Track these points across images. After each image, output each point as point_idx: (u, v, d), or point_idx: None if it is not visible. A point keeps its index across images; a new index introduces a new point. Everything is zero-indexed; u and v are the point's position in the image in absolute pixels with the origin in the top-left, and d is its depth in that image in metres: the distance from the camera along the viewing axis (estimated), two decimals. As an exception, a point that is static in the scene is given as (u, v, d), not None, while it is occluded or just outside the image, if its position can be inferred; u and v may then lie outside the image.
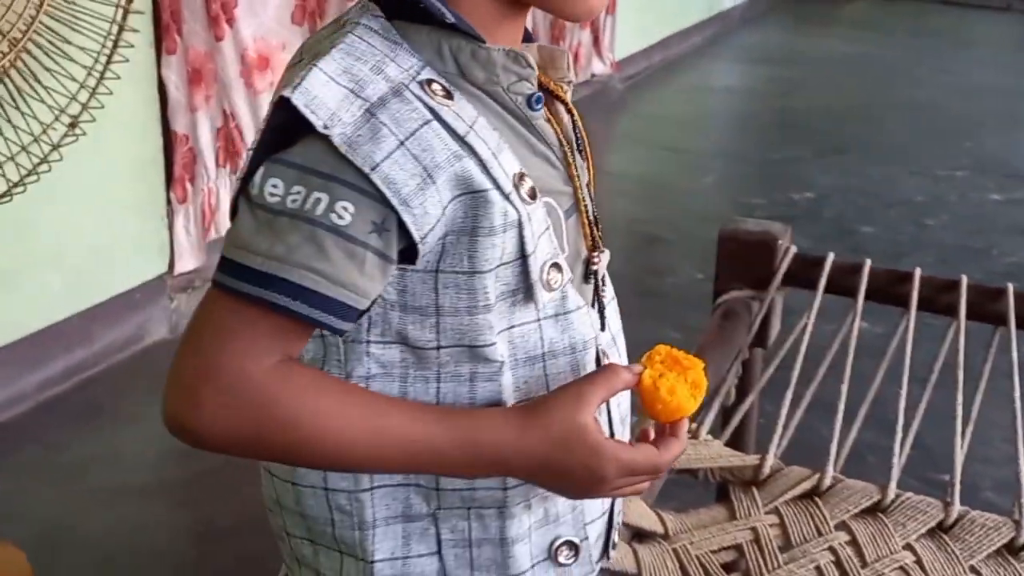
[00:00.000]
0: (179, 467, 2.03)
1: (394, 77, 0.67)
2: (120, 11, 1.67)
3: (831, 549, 1.11)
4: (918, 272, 1.60)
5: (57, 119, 1.66)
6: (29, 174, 1.66)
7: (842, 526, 1.15)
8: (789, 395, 1.36)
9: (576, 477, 0.71)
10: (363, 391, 0.71)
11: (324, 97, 0.65)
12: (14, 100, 1.61)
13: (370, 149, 0.64)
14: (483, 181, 0.67)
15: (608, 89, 5.15)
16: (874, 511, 1.16)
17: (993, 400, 1.37)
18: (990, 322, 1.50)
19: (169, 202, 2.58)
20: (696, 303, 3.00)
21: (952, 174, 4.41)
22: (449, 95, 0.68)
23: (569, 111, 0.78)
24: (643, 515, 1.14)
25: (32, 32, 1.54)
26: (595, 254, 0.78)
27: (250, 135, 2.76)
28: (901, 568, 1.10)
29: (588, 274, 0.79)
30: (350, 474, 0.73)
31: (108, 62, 1.69)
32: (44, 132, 1.63)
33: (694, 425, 1.31)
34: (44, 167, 1.66)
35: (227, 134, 2.74)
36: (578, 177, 0.76)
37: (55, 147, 1.67)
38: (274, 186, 0.65)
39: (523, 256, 0.70)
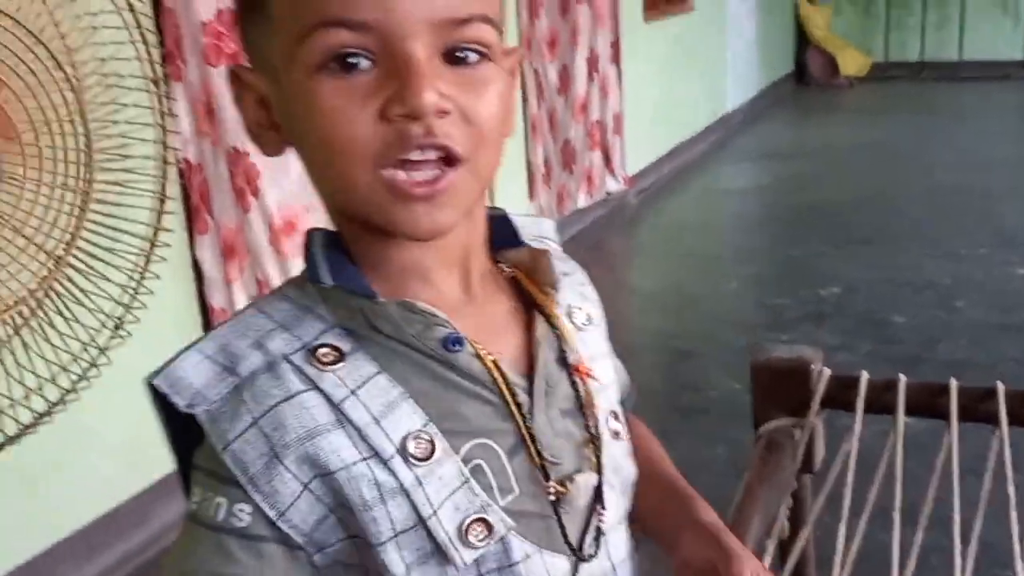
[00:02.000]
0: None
1: (274, 350, 0.67)
2: (156, 215, 1.75)
3: None
4: (954, 384, 1.61)
5: (104, 324, 1.72)
6: (80, 380, 1.72)
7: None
8: (844, 522, 1.37)
9: None
10: None
11: (190, 377, 0.66)
12: (60, 311, 1.68)
13: (226, 427, 0.65)
14: (344, 456, 0.65)
15: (623, 205, 5.25)
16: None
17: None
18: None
19: (211, 376, 2.64)
20: (738, 415, 2.99)
21: (975, 252, 4.43)
22: (341, 358, 0.67)
23: (550, 321, 0.75)
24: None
25: (74, 248, 1.61)
26: (551, 487, 0.71)
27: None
28: None
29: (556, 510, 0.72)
30: None
31: (147, 264, 1.76)
32: (92, 339, 1.69)
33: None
34: (94, 371, 1.72)
35: (261, 301, 2.81)
36: (527, 406, 0.71)
37: (102, 351, 1.73)
38: (191, 493, 0.67)
39: (422, 520, 0.66)
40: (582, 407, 0.75)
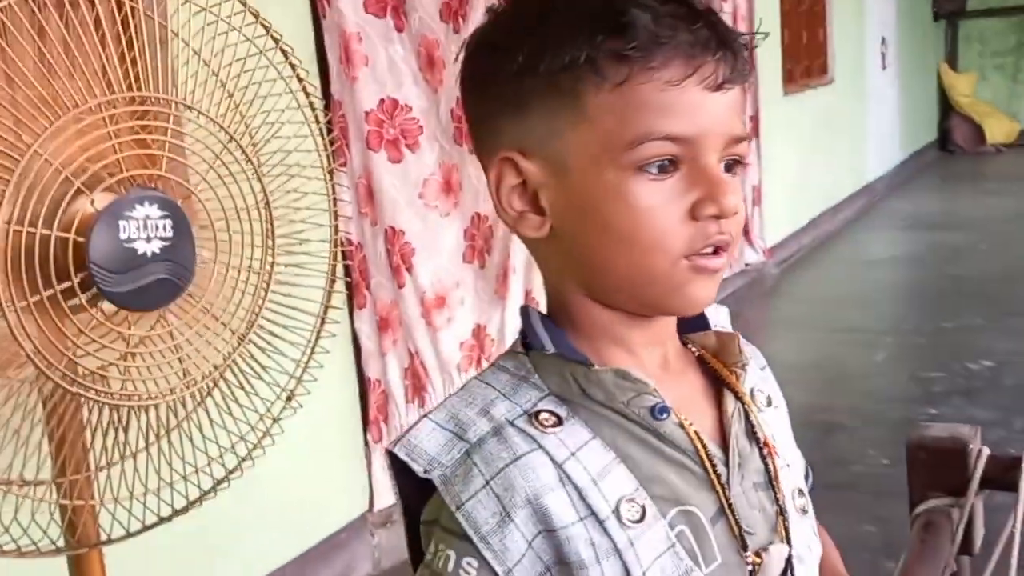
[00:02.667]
0: None
1: (498, 416, 0.73)
2: (326, 294, 1.87)
3: None
4: (1122, 466, 1.57)
5: (278, 397, 1.83)
6: (255, 448, 1.82)
7: None
8: (1008, 612, 1.35)
9: None
10: None
11: (425, 445, 0.73)
12: (240, 384, 1.80)
13: (460, 489, 0.71)
14: (566, 515, 0.70)
15: (763, 276, 5.21)
16: None
17: None
18: None
19: (367, 443, 2.76)
20: (886, 492, 2.94)
21: None
22: (559, 423, 0.73)
23: (739, 398, 0.79)
24: None
25: (255, 327, 1.73)
26: (749, 556, 0.75)
27: (434, 371, 2.94)
28: None
29: None
30: None
31: (317, 338, 1.87)
32: (268, 410, 1.80)
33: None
34: (267, 440, 1.83)
35: (413, 371, 2.92)
36: (724, 477, 0.75)
37: (276, 420, 1.84)
38: (428, 541, 0.73)
39: None
40: (771, 481, 0.80)
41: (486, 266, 3.19)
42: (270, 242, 1.70)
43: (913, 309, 5.01)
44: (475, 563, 0.70)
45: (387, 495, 2.78)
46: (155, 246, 1.51)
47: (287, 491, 2.53)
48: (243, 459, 1.81)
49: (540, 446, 0.72)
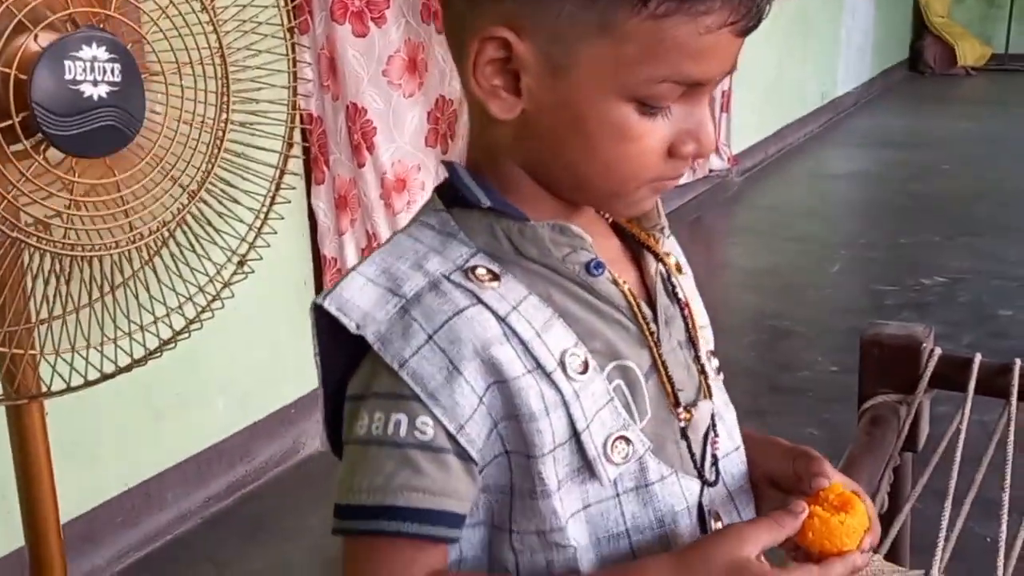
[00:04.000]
0: (340, 581, 2.11)
1: (433, 271, 0.70)
2: (282, 157, 1.81)
3: (1006, 666, 1.10)
4: (1074, 372, 1.58)
5: (229, 260, 1.79)
6: (203, 311, 1.79)
7: (1015, 642, 1.14)
8: (949, 504, 1.36)
9: None
10: None
11: (357, 300, 0.69)
12: (191, 245, 1.75)
13: (400, 346, 0.68)
14: (515, 367, 0.68)
15: (727, 183, 5.20)
16: (1048, 626, 1.15)
17: None
18: None
19: (318, 322, 2.73)
20: (833, 397, 2.98)
21: (1091, 250, 4.29)
22: (496, 277, 0.70)
23: (660, 259, 0.80)
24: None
25: (207, 183, 1.68)
26: (681, 412, 0.76)
27: (390, 254, 2.91)
28: None
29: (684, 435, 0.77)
30: None
31: (271, 204, 1.82)
32: (218, 272, 1.76)
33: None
34: (217, 303, 1.79)
35: (370, 253, 2.88)
36: (655, 334, 0.76)
37: (226, 285, 1.80)
38: (357, 417, 0.69)
39: (576, 434, 0.70)
40: (691, 340, 0.81)
41: (448, 152, 3.13)
42: (225, 98, 1.63)
43: (871, 224, 5.04)
44: (430, 422, 0.68)
45: (337, 374, 2.77)
46: (102, 90, 1.45)
47: (236, 362, 2.50)
48: (191, 321, 1.78)
49: (480, 300, 0.69)
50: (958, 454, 1.46)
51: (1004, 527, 1.29)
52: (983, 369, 1.62)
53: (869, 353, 1.73)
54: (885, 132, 6.83)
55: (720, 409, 0.82)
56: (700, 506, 0.77)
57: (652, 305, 0.77)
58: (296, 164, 2.41)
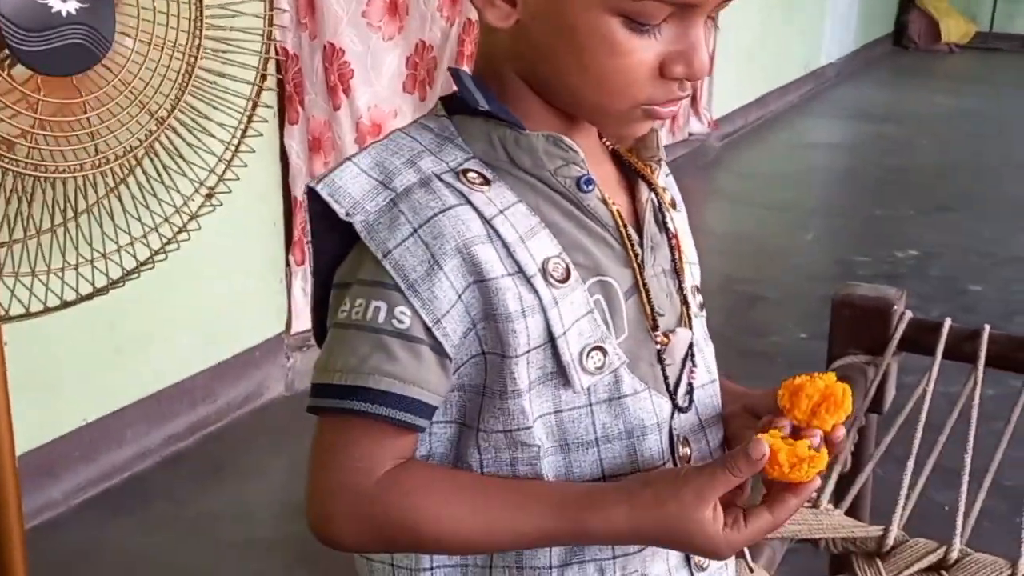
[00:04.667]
0: (301, 521, 2.09)
1: (426, 168, 0.71)
2: (255, 89, 1.77)
3: (960, 623, 1.11)
4: (1041, 339, 1.59)
5: (196, 191, 1.75)
6: (169, 243, 1.75)
7: (971, 600, 1.14)
8: (911, 464, 1.36)
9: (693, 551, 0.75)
10: (472, 484, 0.73)
11: (349, 187, 0.70)
12: (159, 174, 1.72)
13: (385, 236, 0.69)
14: (495, 268, 0.69)
15: (705, 147, 5.18)
16: (1004, 585, 1.16)
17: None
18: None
19: (288, 264, 2.69)
20: (801, 363, 2.98)
21: (1063, 229, 4.32)
22: (487, 182, 0.71)
23: (653, 189, 0.80)
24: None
25: (177, 111, 1.64)
26: (659, 335, 0.77)
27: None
28: (1035, 643, 1.09)
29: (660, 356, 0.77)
30: (412, 554, 0.76)
31: (242, 137, 1.78)
32: (185, 204, 1.73)
33: (814, 495, 1.32)
34: (183, 235, 1.76)
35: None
36: (640, 257, 0.76)
37: (193, 217, 1.76)
38: (340, 302, 0.70)
39: (552, 339, 0.71)
40: (676, 272, 0.81)
41: (426, 99, 3.09)
42: (198, 23, 1.59)
43: (847, 194, 5.05)
44: (408, 312, 0.68)
45: (305, 319, 2.73)
46: (71, 6, 1.41)
47: (203, 300, 2.46)
48: (156, 251, 1.75)
49: (468, 201, 0.70)
50: (923, 417, 1.46)
51: (964, 487, 1.29)
52: (952, 334, 1.62)
53: (840, 314, 1.73)
54: (866, 105, 6.82)
55: (699, 342, 0.82)
56: (671, 428, 0.77)
57: (640, 231, 0.78)
58: (270, 99, 2.37)
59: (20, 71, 1.44)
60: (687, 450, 0.79)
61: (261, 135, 1.82)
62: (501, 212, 0.71)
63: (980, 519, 1.31)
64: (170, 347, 2.40)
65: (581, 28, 0.69)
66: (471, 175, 0.71)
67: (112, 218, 1.68)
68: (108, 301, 1.75)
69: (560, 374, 0.72)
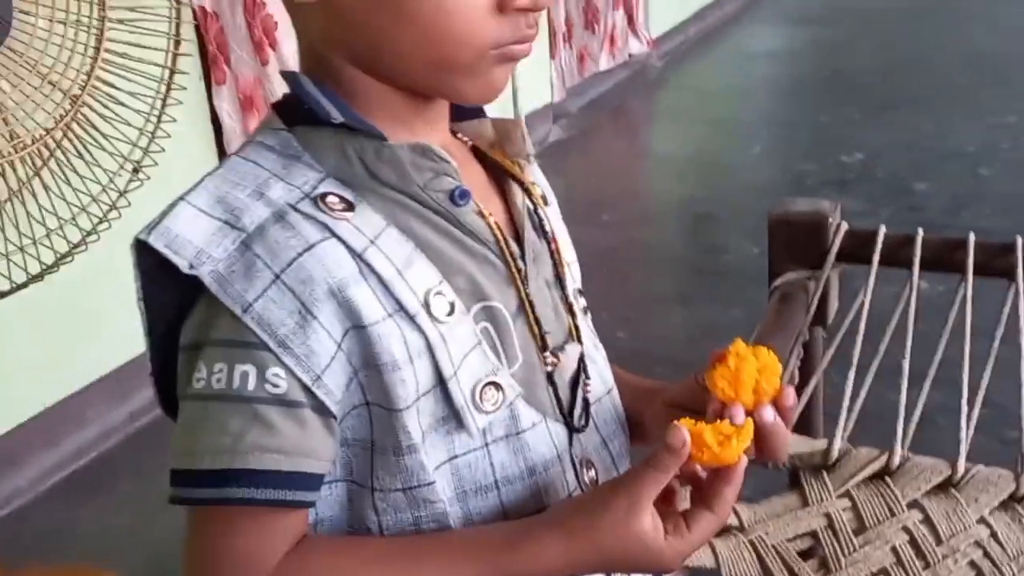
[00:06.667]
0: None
1: (277, 199, 0.61)
2: (170, 56, 1.74)
3: (905, 529, 1.13)
4: (972, 238, 1.60)
5: (122, 167, 1.72)
6: (100, 222, 1.73)
7: (914, 504, 1.17)
8: (852, 375, 1.38)
9: (638, 569, 0.67)
10: (382, 554, 0.65)
11: (188, 234, 0.60)
12: (79, 153, 1.68)
13: (243, 287, 0.59)
14: (374, 311, 0.60)
15: (647, 68, 5.15)
16: (946, 487, 1.18)
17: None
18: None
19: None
20: (755, 279, 2.97)
21: (1004, 120, 4.35)
22: (350, 207, 0.62)
23: (526, 191, 0.72)
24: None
25: (90, 87, 1.60)
26: (548, 356, 0.70)
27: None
28: (976, 543, 1.12)
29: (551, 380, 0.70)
30: None
31: (163, 107, 1.75)
32: (111, 181, 1.70)
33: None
34: (114, 214, 1.73)
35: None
36: (523, 272, 0.69)
37: (122, 193, 1.74)
38: (193, 368, 0.60)
39: (442, 382, 0.63)
40: (559, 278, 0.74)
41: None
42: (100, -6, 1.55)
43: (792, 103, 5.05)
44: (283, 373, 0.59)
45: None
46: (-39, -11, 1.36)
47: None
48: (88, 233, 1.72)
49: (333, 234, 0.61)
50: (862, 325, 1.47)
51: (903, 393, 1.31)
52: (887, 242, 1.63)
53: (777, 231, 1.74)
54: (806, 8, 6.80)
55: (590, 351, 0.75)
56: (571, 456, 0.71)
57: (519, 240, 0.70)
58: (189, 64, 2.32)
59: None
60: (592, 472, 0.72)
61: (181, 103, 1.78)
62: (372, 243, 0.61)
63: (932, 415, 1.33)
64: (122, 324, 2.36)
65: None
66: (330, 199, 0.62)
67: (38, 203, 1.66)
68: (54, 285, 1.72)
69: (453, 417, 0.64)
